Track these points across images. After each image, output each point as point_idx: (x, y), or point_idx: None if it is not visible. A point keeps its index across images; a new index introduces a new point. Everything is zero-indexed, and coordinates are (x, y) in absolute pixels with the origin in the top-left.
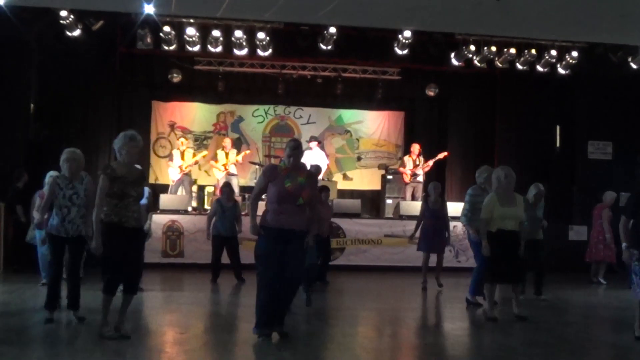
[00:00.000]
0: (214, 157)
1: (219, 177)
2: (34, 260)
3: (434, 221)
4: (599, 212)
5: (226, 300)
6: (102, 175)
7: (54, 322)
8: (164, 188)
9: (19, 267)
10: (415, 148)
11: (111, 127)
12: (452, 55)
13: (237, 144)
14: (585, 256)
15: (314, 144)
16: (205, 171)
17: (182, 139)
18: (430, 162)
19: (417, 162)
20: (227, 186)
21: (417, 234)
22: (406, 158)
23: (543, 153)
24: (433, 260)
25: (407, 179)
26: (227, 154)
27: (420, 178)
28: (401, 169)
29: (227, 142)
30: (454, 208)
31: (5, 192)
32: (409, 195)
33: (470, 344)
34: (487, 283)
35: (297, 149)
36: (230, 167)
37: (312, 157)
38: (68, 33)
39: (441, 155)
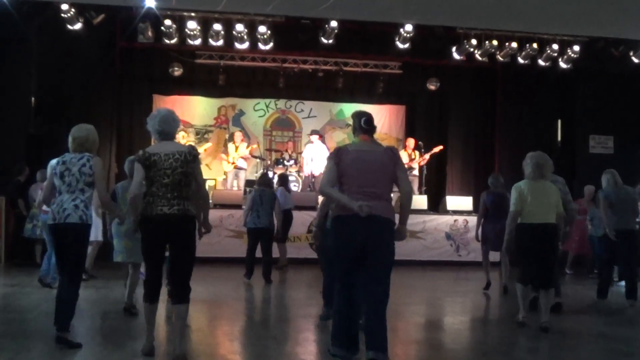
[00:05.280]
0: (225, 151)
1: (227, 169)
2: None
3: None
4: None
5: (231, 295)
6: None
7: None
8: None
9: (20, 260)
10: (411, 142)
11: (112, 120)
12: (454, 49)
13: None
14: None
15: (315, 138)
16: (207, 165)
17: (182, 133)
18: (427, 156)
19: (413, 156)
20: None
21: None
22: (401, 152)
23: (544, 147)
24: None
25: None
26: (237, 148)
27: (416, 172)
28: None
29: (238, 135)
30: (456, 203)
31: (6, 186)
32: None
33: (471, 338)
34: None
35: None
36: (239, 161)
37: (314, 150)
38: (69, 27)
39: (436, 149)
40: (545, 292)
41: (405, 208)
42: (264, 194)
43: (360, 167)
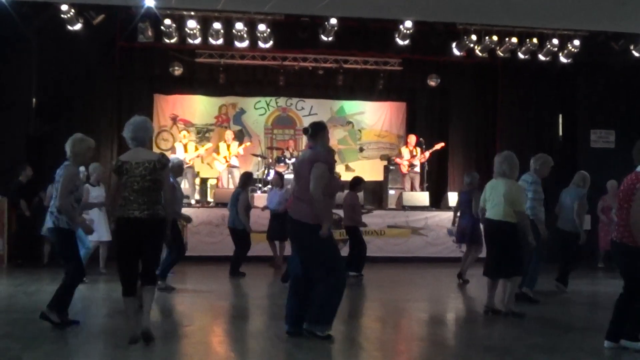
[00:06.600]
0: (216, 150)
1: (220, 169)
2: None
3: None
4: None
5: (231, 292)
6: None
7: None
8: None
9: (23, 261)
10: (412, 139)
11: (112, 120)
12: (454, 45)
13: (239, 136)
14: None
15: None
16: (208, 164)
17: (184, 132)
18: (427, 154)
19: (414, 153)
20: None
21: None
22: (403, 149)
23: (545, 142)
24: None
25: (404, 169)
26: (228, 146)
27: (418, 169)
28: (398, 160)
29: (229, 134)
30: (456, 199)
31: (8, 186)
32: (408, 186)
33: (472, 334)
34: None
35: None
36: (232, 159)
37: None
38: (69, 27)
39: (438, 146)
40: (506, 281)
41: (315, 209)
42: (234, 194)
43: (294, 173)
